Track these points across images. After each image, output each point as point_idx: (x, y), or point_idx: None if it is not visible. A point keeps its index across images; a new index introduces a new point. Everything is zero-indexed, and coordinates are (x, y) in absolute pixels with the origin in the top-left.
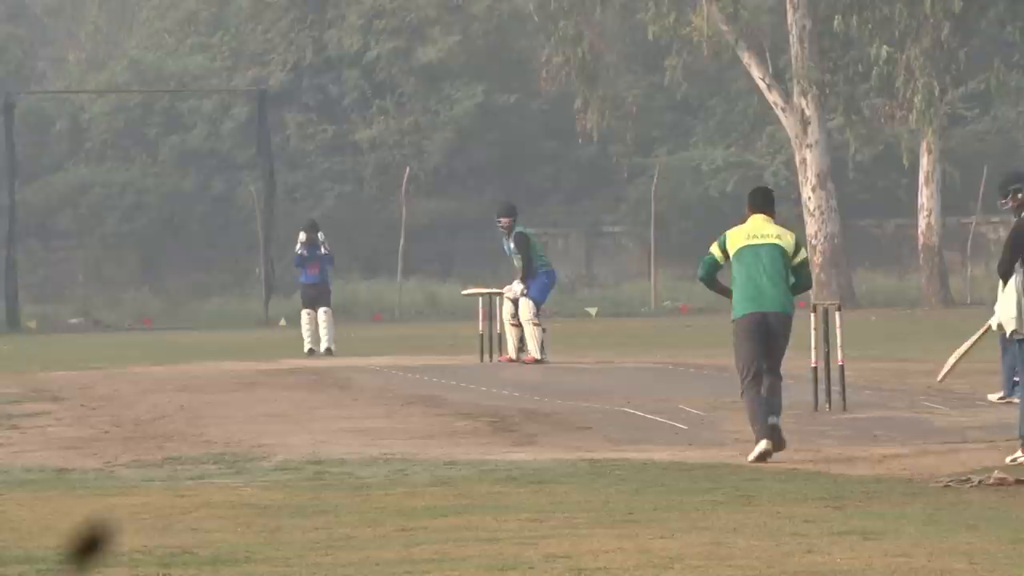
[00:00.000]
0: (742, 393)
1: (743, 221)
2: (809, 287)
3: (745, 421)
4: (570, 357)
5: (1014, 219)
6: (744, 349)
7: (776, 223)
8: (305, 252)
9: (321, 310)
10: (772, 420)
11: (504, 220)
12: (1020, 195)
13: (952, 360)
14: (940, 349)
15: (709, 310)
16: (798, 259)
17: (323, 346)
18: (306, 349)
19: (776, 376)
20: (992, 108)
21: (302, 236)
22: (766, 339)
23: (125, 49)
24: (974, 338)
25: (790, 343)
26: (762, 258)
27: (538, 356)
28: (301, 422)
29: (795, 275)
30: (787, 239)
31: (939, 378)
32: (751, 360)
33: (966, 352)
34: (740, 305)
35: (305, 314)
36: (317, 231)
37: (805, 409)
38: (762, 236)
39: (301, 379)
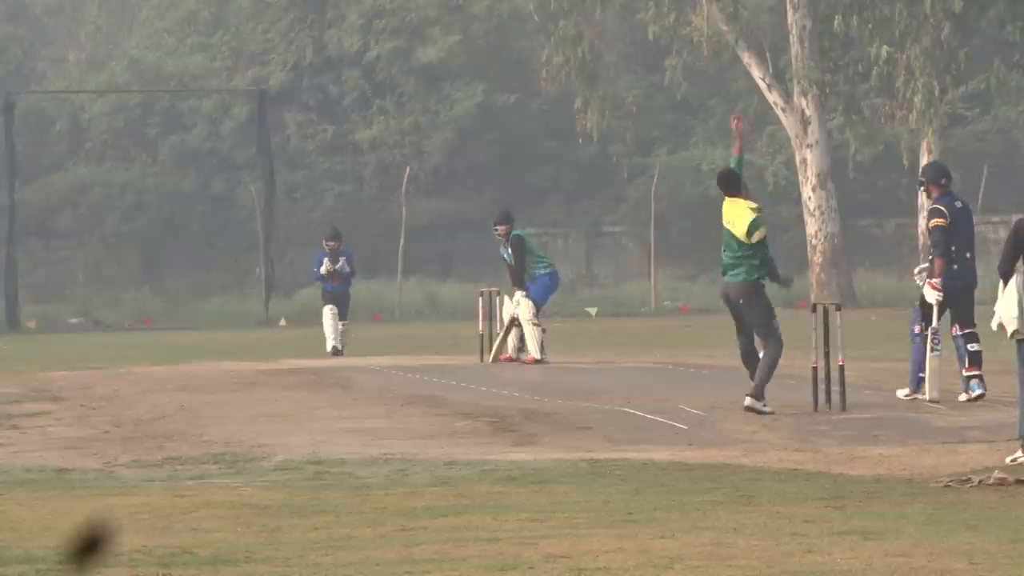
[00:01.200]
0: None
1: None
2: (769, 262)
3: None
4: (570, 357)
5: (928, 208)
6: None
7: (741, 198)
8: (331, 266)
9: (340, 323)
10: (746, 399)
11: (501, 228)
12: (921, 188)
13: (928, 377)
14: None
15: (709, 310)
16: (754, 239)
17: (329, 344)
18: (329, 347)
19: (765, 340)
20: (992, 108)
21: (330, 244)
22: (732, 308)
23: (125, 49)
24: (929, 351)
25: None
26: (727, 239)
27: (538, 356)
28: (301, 422)
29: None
30: (740, 227)
31: (929, 398)
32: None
33: (934, 363)
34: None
35: (327, 309)
36: (340, 238)
37: (805, 409)
38: (728, 222)
39: (301, 379)
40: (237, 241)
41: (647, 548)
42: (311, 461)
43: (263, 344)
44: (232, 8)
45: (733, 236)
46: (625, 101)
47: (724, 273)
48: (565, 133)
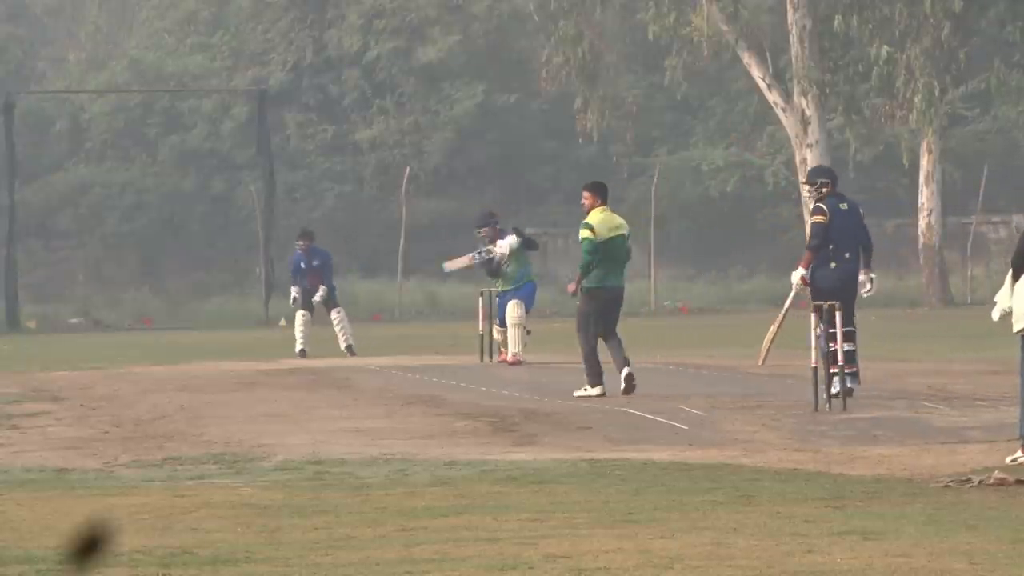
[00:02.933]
0: (588, 343)
1: (589, 210)
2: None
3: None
4: (570, 357)
5: (812, 206)
6: (598, 315)
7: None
8: (303, 264)
9: (333, 311)
10: (628, 370)
11: (484, 231)
12: (824, 189)
13: (766, 343)
14: (940, 349)
15: (709, 310)
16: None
17: (343, 344)
18: (298, 349)
19: (617, 336)
20: (992, 108)
21: (300, 244)
22: (616, 308)
23: (125, 49)
24: (780, 318)
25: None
26: (620, 245)
27: (521, 357)
28: (301, 422)
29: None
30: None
31: (760, 362)
32: (599, 324)
33: (776, 332)
34: (603, 279)
35: (300, 315)
36: (312, 238)
37: (805, 409)
38: (617, 227)
39: (301, 379)
40: (237, 241)
41: (647, 548)
42: (311, 461)
43: (263, 344)
44: (232, 8)
45: (625, 239)
46: (625, 101)
47: (611, 276)
48: (565, 133)
